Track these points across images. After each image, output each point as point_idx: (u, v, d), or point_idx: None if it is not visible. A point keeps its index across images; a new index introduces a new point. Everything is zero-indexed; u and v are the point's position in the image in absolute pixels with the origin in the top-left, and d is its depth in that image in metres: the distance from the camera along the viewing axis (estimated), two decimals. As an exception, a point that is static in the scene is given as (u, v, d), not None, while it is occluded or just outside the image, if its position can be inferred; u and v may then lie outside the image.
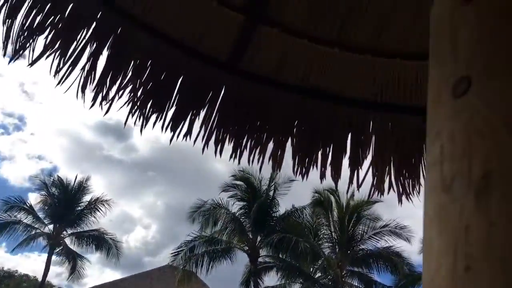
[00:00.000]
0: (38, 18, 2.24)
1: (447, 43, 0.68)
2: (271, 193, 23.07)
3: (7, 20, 2.22)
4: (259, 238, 22.83)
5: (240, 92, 2.52)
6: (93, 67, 2.33)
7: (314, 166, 2.57)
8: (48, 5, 2.22)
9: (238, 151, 2.56)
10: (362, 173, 2.55)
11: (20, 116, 61.36)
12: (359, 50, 2.43)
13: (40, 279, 28.00)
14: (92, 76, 2.34)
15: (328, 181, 2.62)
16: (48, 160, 64.67)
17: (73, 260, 25.98)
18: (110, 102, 2.37)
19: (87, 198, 27.57)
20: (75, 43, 2.27)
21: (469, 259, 0.52)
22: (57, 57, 2.29)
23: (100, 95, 2.37)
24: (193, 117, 2.51)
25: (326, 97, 2.51)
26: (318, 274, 23.32)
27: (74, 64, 2.32)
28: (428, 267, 0.63)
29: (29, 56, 2.26)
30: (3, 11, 2.20)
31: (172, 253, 22.75)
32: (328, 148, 2.56)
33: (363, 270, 23.10)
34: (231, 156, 2.55)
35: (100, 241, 26.41)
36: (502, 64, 0.60)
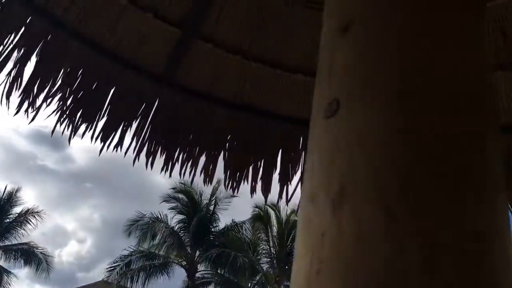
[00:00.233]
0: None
1: (326, 67, 0.75)
2: (211, 207, 22.93)
3: None
4: (197, 253, 22.55)
5: (173, 105, 2.53)
6: (19, 73, 2.26)
7: (245, 181, 2.61)
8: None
9: (170, 163, 2.56)
10: (291, 188, 2.62)
11: None
12: (292, 69, 2.52)
13: (-40, 296, 26.08)
14: (19, 82, 2.27)
15: (271, 195, 2.67)
16: (-24, 169, 60.82)
17: (-1, 276, 24.46)
18: (37, 109, 2.31)
19: (17, 210, 26.13)
20: (0, 47, 2.19)
21: (320, 263, 0.58)
22: (-19, 61, 2.20)
23: (27, 102, 2.30)
24: (124, 128, 2.48)
25: (258, 113, 2.57)
26: (256, 290, 23.34)
27: (-1, 69, 2.24)
28: (294, 268, 0.70)
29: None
30: None
31: (107, 268, 22.00)
32: (259, 163, 2.62)
33: (301, 285, 23.34)
34: (162, 169, 2.55)
35: (30, 255, 25.01)
36: (364, 89, 0.68)
